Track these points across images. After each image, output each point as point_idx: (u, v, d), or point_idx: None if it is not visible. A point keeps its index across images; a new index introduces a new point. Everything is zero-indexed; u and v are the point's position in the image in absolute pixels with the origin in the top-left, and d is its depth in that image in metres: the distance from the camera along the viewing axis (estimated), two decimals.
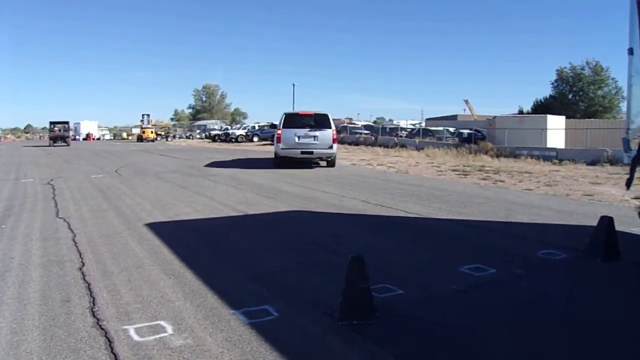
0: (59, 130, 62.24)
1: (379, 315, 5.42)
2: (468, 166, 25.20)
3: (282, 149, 24.45)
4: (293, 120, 24.80)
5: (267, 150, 40.51)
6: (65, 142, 60.61)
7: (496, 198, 14.61)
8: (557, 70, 72.64)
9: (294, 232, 10.22)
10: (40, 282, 6.79)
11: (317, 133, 24.21)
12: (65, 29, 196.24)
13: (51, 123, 64.26)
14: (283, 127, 24.45)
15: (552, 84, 73.74)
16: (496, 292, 6.55)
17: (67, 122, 65.07)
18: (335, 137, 24.85)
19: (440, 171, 23.20)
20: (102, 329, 5.19)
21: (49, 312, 5.68)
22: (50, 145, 57.79)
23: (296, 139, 24.06)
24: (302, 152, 24.25)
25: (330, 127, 24.56)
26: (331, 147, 24.42)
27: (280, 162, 24.76)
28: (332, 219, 11.43)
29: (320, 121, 24.73)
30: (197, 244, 9.10)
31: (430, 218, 11.44)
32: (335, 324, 5.31)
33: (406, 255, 8.34)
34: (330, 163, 25.31)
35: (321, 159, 25.40)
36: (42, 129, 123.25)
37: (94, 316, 5.53)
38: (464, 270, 7.33)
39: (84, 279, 6.89)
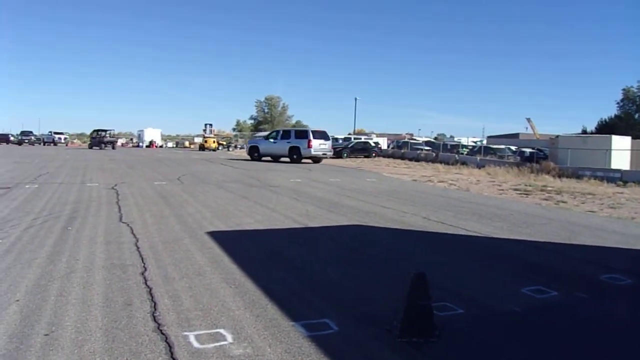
0: (103, 136, 71.53)
1: (439, 333, 5.33)
2: (530, 186, 24.72)
3: (313, 151, 39.15)
4: (315, 134, 39.63)
5: (328, 164, 40.57)
6: (112, 146, 69.61)
7: (558, 219, 14.28)
8: (623, 89, 71.14)
9: (354, 246, 10.18)
10: (103, 284, 6.91)
11: (326, 142, 40.92)
12: (131, 39, 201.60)
13: (94, 130, 74.58)
14: (313, 139, 39.04)
15: (618, 103, 72.22)
16: (558, 316, 6.38)
17: (107, 130, 74.25)
18: (330, 145, 42.90)
19: (502, 190, 22.82)
20: (163, 334, 5.24)
21: (112, 314, 5.78)
22: (90, 148, 68.63)
23: (319, 145, 39.49)
24: (323, 153, 40.40)
25: (329, 139, 42.45)
26: (330, 151, 42.44)
27: (303, 159, 39.38)
28: (393, 234, 11.33)
29: (325, 135, 41.17)
30: (258, 254, 9.12)
31: (491, 237, 11.23)
32: (394, 340, 5.25)
33: (467, 273, 8.20)
34: (319, 160, 40.74)
35: (325, 156, 41.31)
36: None
37: (155, 321, 5.59)
38: (525, 291, 7.19)
39: (145, 283, 6.99)
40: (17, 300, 6.17)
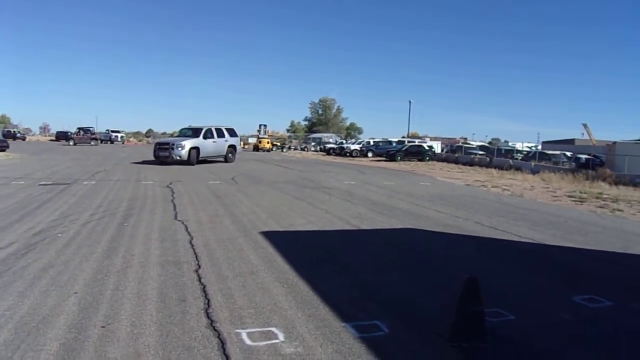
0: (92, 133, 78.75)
1: (489, 339, 5.28)
2: (584, 193, 24.14)
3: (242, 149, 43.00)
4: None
5: (382, 167, 40.52)
6: (94, 142, 76.05)
7: (614, 227, 13.96)
8: None
9: (406, 249, 10.15)
10: (158, 280, 7.06)
11: None
12: (185, 43, 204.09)
13: (78, 128, 79.98)
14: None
15: None
16: (613, 327, 6.25)
17: (90, 127, 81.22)
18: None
19: (556, 196, 22.36)
20: (216, 330, 5.33)
21: (166, 309, 5.90)
22: (74, 144, 71.13)
23: None
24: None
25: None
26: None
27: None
28: (445, 238, 11.26)
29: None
30: (311, 254, 9.17)
31: (544, 244, 11.04)
32: (444, 345, 5.23)
33: (518, 280, 8.10)
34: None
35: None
36: (162, 133, 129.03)
37: (208, 317, 5.69)
38: (578, 300, 7.06)
39: (199, 280, 7.11)
40: (76, 293, 6.36)
